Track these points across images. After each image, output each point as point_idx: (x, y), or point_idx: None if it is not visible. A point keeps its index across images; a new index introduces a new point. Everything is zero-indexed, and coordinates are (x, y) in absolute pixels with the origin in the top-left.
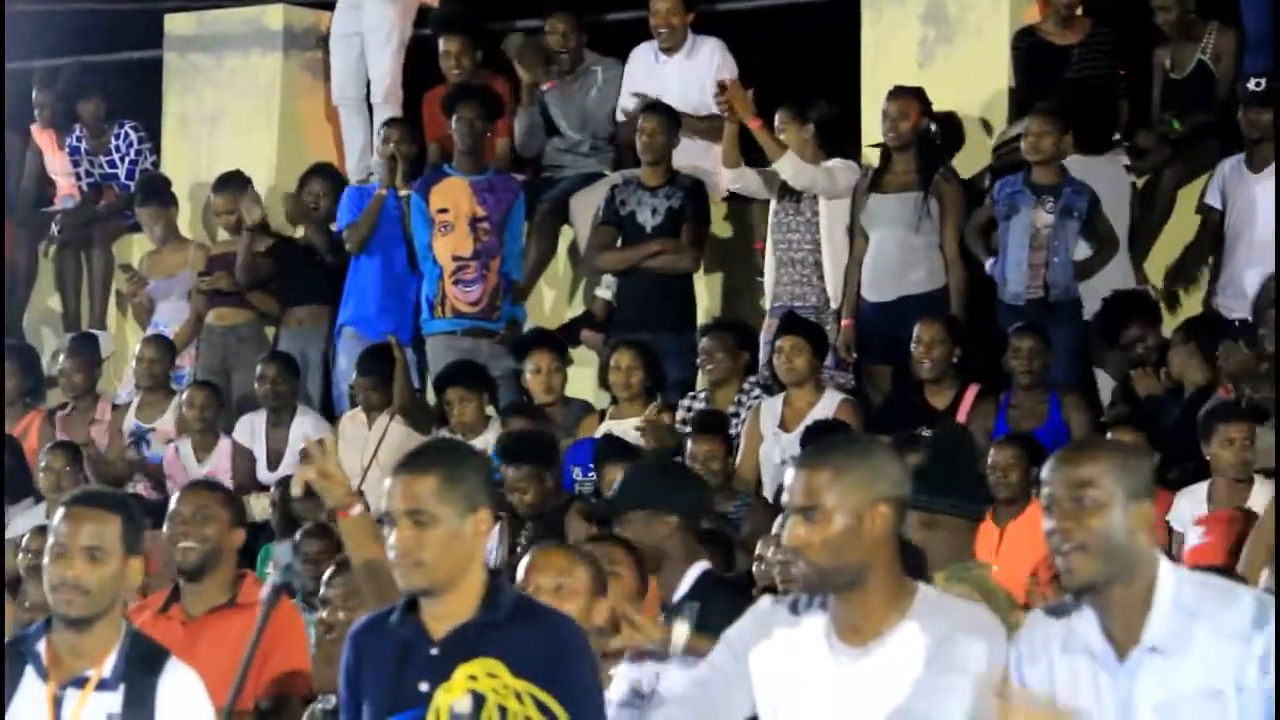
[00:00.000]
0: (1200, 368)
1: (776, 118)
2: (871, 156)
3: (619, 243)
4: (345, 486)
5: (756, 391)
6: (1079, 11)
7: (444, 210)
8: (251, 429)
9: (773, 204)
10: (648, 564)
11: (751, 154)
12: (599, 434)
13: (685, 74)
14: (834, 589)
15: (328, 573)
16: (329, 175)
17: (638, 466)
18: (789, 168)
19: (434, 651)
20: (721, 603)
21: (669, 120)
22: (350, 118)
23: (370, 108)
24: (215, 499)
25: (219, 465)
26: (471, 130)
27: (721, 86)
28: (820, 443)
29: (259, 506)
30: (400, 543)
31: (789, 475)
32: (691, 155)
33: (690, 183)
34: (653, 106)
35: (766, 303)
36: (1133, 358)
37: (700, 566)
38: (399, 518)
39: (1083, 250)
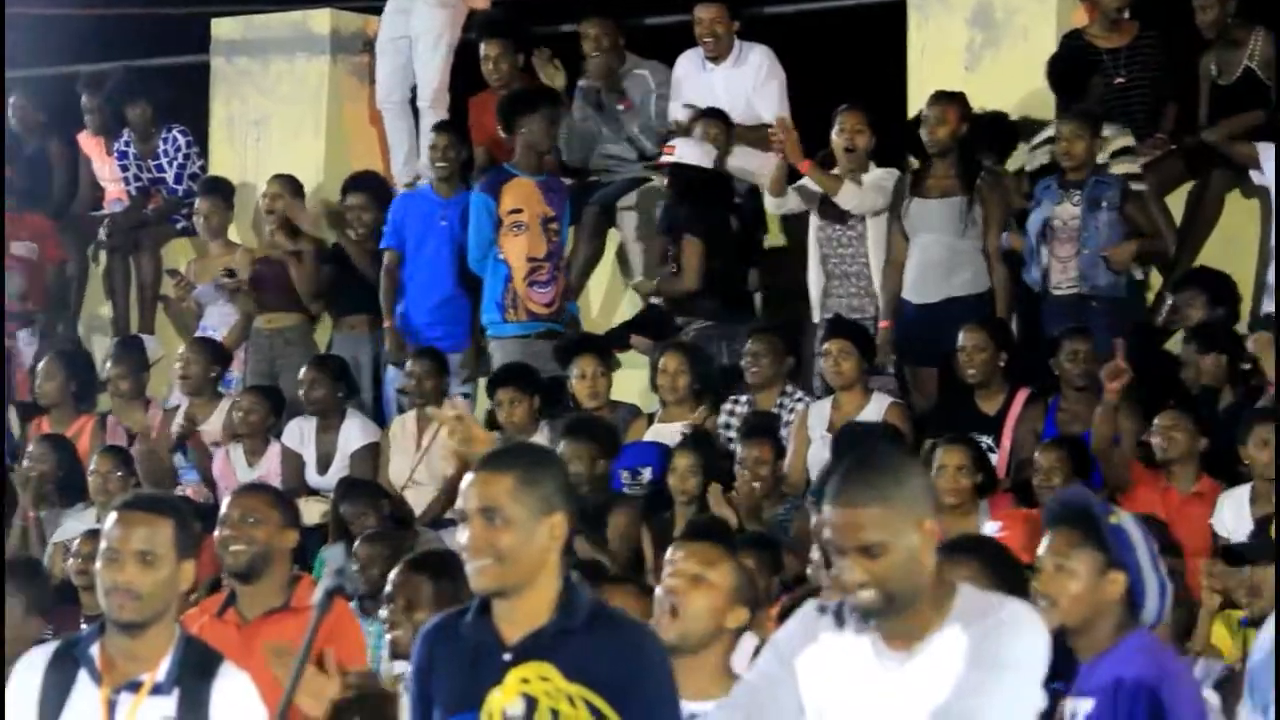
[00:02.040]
0: (1217, 374)
1: (846, 122)
2: (916, 161)
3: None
4: (486, 438)
5: (799, 394)
6: (1126, 15)
7: (517, 210)
8: (300, 433)
9: (814, 219)
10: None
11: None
12: (647, 438)
13: (732, 82)
14: (902, 610)
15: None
16: (371, 186)
17: None
18: (850, 199)
19: (507, 657)
20: None
21: (727, 127)
22: (395, 122)
23: (416, 112)
24: (264, 502)
25: (269, 469)
26: (548, 132)
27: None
28: (857, 475)
29: (309, 510)
30: (472, 540)
31: (827, 511)
32: (740, 160)
33: (747, 189)
34: (710, 113)
35: (815, 315)
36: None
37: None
38: (472, 515)
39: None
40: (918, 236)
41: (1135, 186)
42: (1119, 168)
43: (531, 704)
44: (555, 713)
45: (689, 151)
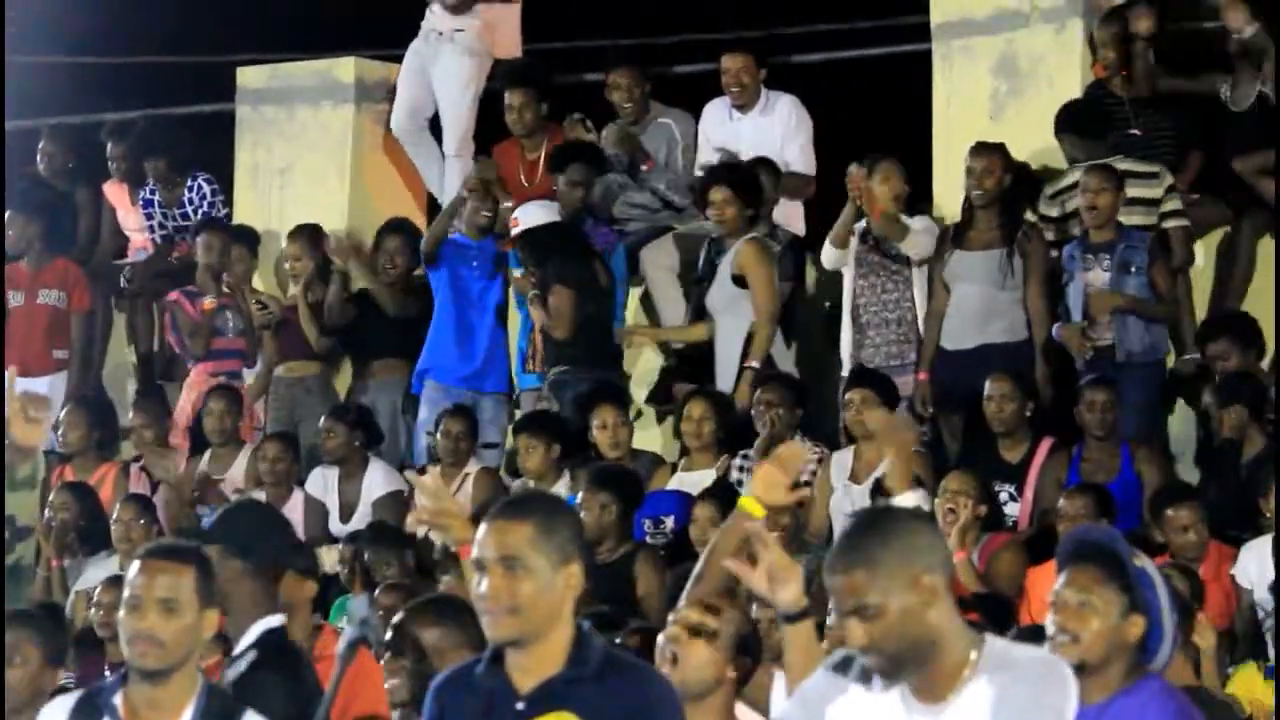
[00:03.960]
0: (1244, 426)
1: (883, 171)
2: (943, 209)
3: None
4: (461, 521)
5: (811, 445)
6: (1152, 60)
7: None
8: (324, 481)
9: (849, 270)
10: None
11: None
12: (671, 487)
13: (760, 131)
14: (913, 668)
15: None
16: (405, 231)
17: (238, 504)
18: (914, 247)
19: (520, 706)
20: (273, 666)
21: (775, 176)
22: (415, 146)
23: (433, 135)
24: None
25: (292, 518)
26: (568, 193)
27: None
28: (846, 537)
29: (330, 559)
30: (491, 590)
31: (827, 578)
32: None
33: (788, 238)
34: (763, 163)
35: (845, 366)
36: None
37: (267, 622)
38: (491, 565)
39: None
40: (957, 287)
41: (1175, 224)
42: (1170, 204)
43: None
44: None
45: (531, 216)
